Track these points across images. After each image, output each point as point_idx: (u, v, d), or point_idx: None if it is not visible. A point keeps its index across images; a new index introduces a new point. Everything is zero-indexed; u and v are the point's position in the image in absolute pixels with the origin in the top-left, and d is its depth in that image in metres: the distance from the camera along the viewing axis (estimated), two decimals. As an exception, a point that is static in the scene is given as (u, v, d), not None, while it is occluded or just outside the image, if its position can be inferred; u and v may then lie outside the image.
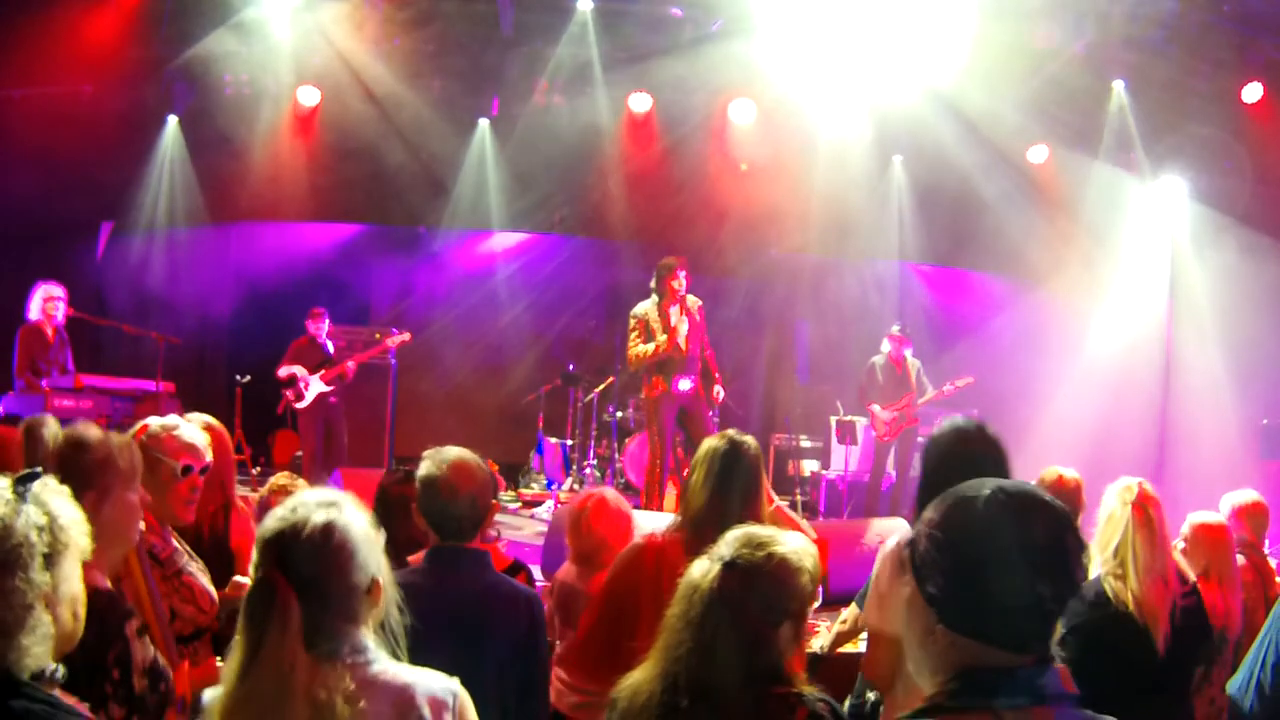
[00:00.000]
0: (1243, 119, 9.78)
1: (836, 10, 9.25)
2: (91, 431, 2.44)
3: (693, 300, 7.59)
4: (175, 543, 2.92)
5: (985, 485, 1.50)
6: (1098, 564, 3.30)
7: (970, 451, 2.67)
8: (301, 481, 4.16)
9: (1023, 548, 1.44)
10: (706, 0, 9.42)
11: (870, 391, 9.55)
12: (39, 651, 1.65)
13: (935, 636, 1.47)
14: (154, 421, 2.97)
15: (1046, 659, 1.47)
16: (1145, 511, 3.23)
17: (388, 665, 1.91)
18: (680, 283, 7.45)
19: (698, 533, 2.89)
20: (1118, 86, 10.10)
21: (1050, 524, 1.47)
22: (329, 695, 1.80)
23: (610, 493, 3.93)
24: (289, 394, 8.93)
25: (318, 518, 1.89)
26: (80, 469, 2.34)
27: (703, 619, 2.00)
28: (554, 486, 10.10)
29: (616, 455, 10.19)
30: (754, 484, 3.10)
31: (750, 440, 3.19)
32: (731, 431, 3.24)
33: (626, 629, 2.86)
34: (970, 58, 9.14)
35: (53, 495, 1.72)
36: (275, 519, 1.90)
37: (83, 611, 1.78)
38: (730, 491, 3.06)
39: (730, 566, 2.03)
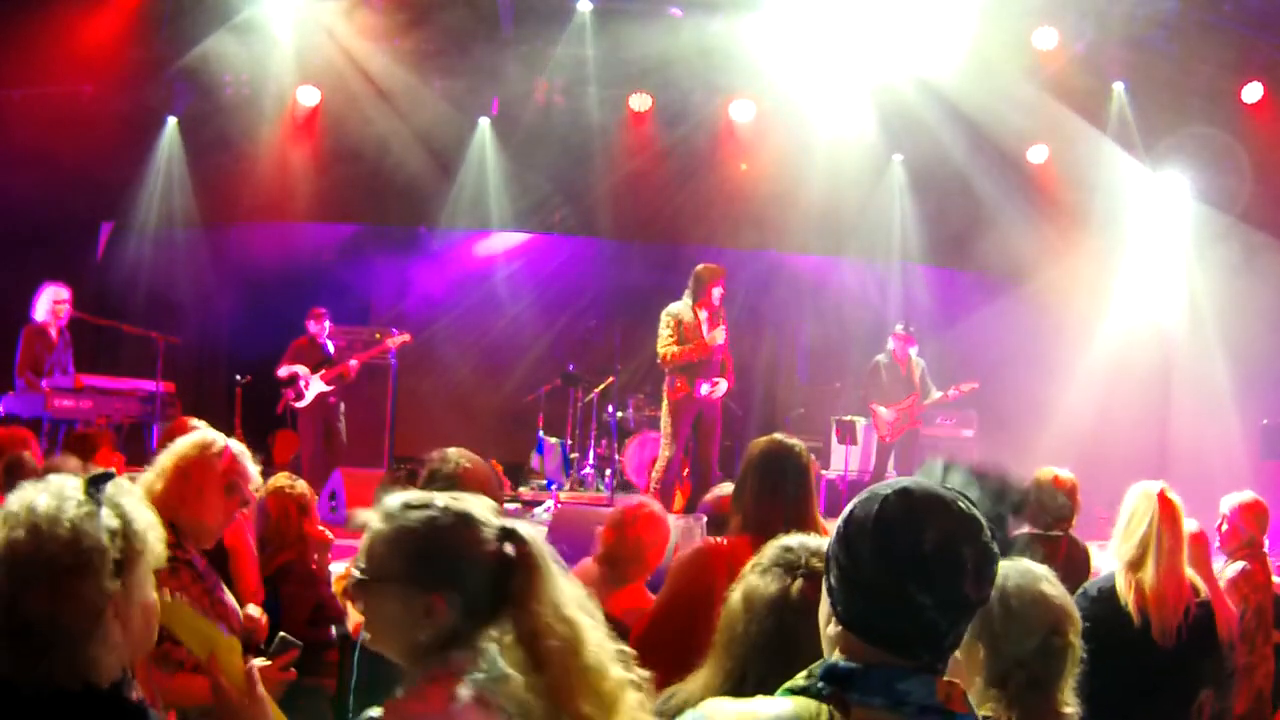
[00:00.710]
0: (1243, 119, 9.78)
1: (837, 10, 9.26)
2: (70, 464, 2.42)
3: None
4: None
5: (897, 484, 1.49)
6: (1114, 558, 3.30)
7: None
8: (302, 483, 4.16)
9: (907, 553, 1.42)
10: (706, 0, 9.43)
11: (873, 390, 9.50)
12: (109, 661, 1.59)
13: (831, 627, 1.49)
14: (233, 444, 2.90)
15: (930, 668, 1.44)
16: (1171, 507, 3.28)
17: None
18: (720, 291, 7.61)
19: (766, 536, 2.89)
20: (1118, 87, 10.09)
21: (947, 533, 1.43)
22: None
23: (658, 506, 3.88)
24: (289, 393, 8.93)
25: None
26: None
27: (788, 628, 2.00)
28: (554, 487, 10.10)
29: (616, 455, 10.19)
30: (809, 485, 3.11)
31: (799, 443, 3.21)
32: (779, 435, 3.26)
33: (700, 633, 2.85)
34: (970, 57, 9.14)
35: (126, 497, 1.65)
36: (481, 503, 1.81)
37: (155, 620, 1.71)
38: (789, 493, 3.06)
39: (811, 576, 2.04)
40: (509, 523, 1.79)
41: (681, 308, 7.65)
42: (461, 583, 1.71)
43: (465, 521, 1.75)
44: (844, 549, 1.47)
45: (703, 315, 7.59)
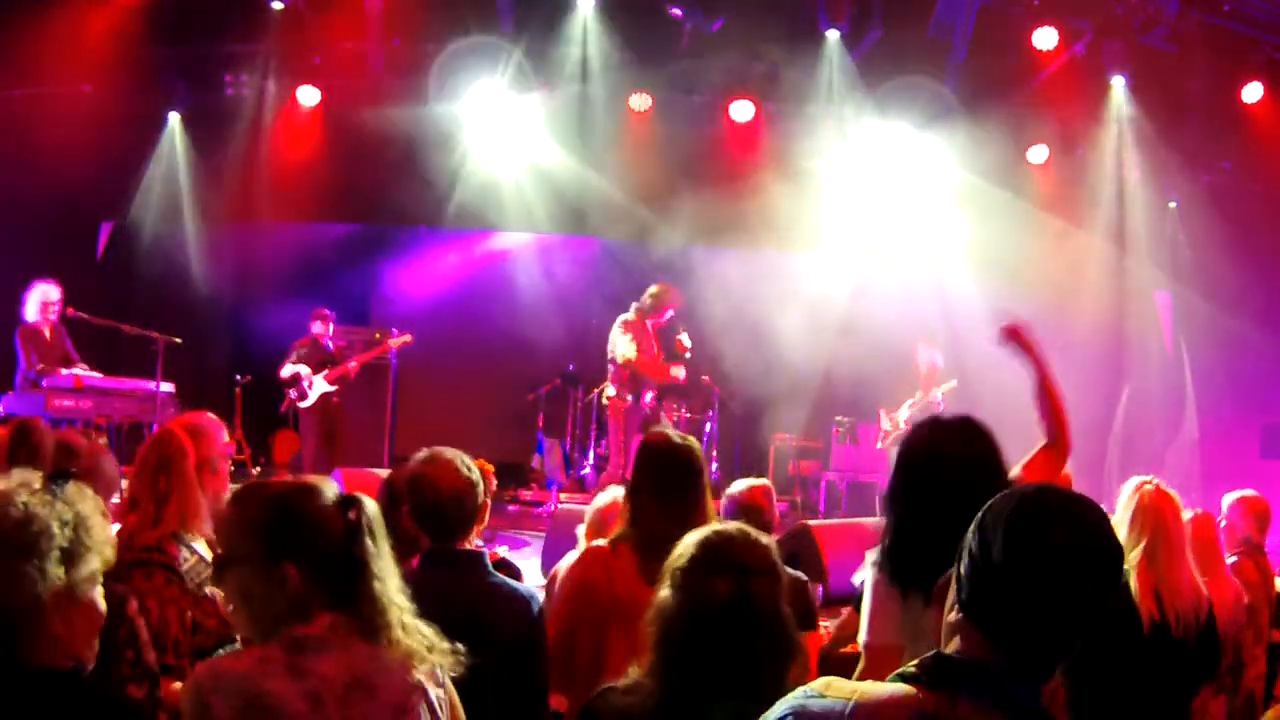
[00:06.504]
0: (1243, 119, 9.77)
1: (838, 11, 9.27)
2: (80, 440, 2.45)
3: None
4: (200, 552, 2.87)
5: (1034, 488, 1.50)
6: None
7: (948, 456, 2.47)
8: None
9: (1037, 547, 1.42)
10: (707, 0, 9.43)
11: (888, 396, 9.39)
12: (43, 649, 1.60)
13: (953, 614, 1.50)
14: (183, 425, 3.04)
15: (1039, 671, 1.44)
16: (1169, 503, 3.34)
17: None
18: (669, 318, 8.20)
19: (648, 538, 2.83)
20: (1118, 87, 10.08)
21: (1077, 534, 1.43)
22: None
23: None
24: (292, 393, 8.93)
25: None
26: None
27: (748, 627, 1.96)
28: (554, 486, 10.09)
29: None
30: (697, 484, 3.01)
31: (691, 440, 3.09)
32: (671, 433, 3.15)
33: (586, 636, 2.88)
34: (970, 57, 9.14)
35: (83, 499, 1.69)
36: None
37: (98, 627, 1.71)
38: (673, 494, 2.97)
39: (759, 577, 1.99)
40: (348, 494, 1.94)
41: (636, 320, 8.12)
42: (311, 548, 1.84)
43: (307, 492, 1.89)
44: (977, 538, 1.47)
45: (654, 333, 8.18)
